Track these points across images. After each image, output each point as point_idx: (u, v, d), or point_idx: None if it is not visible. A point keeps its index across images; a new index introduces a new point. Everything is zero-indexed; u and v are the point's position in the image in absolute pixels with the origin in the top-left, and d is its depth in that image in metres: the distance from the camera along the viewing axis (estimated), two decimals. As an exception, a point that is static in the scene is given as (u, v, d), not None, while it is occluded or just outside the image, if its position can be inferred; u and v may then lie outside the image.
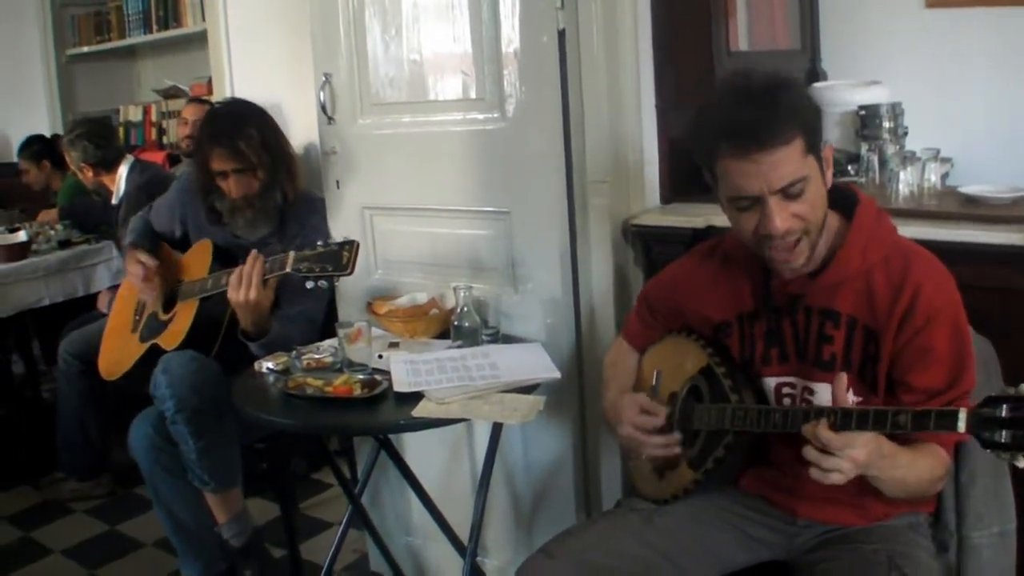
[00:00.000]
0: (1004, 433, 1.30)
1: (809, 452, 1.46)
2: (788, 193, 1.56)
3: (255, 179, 2.73)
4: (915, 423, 1.39)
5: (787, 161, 1.54)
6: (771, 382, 1.76)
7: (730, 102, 1.60)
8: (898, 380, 1.62)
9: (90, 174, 4.05)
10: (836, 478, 1.45)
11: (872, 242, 1.66)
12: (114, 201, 4.03)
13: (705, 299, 1.85)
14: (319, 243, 2.32)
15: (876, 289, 1.64)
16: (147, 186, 3.80)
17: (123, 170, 3.99)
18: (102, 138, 4.06)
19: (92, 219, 4.28)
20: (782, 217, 1.57)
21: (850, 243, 1.65)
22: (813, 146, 1.58)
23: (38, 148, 4.75)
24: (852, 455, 1.43)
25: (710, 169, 1.64)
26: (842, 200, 1.70)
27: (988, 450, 1.33)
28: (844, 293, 1.66)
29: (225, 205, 2.81)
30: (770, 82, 1.58)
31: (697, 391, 1.79)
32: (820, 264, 1.67)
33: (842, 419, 1.45)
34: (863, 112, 2.52)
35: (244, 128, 2.70)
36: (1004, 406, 1.31)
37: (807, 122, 1.58)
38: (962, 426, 1.34)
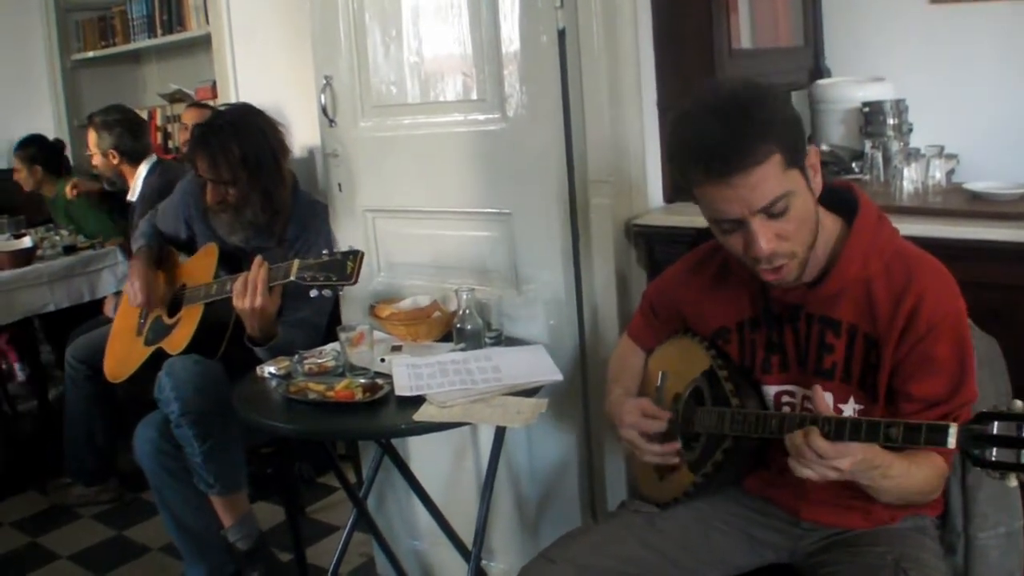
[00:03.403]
0: (994, 451, 1.27)
1: (798, 460, 1.44)
2: (771, 212, 1.50)
3: (228, 193, 2.71)
4: (906, 437, 1.36)
5: (766, 180, 1.47)
6: (771, 390, 1.73)
7: (700, 123, 1.51)
8: (898, 389, 1.59)
9: (115, 161, 3.95)
10: (814, 477, 1.45)
11: (872, 250, 1.60)
12: (130, 198, 4.00)
13: (704, 305, 1.82)
14: (324, 252, 2.31)
15: (877, 297, 1.59)
16: (162, 189, 3.73)
17: (143, 169, 3.93)
18: (139, 128, 4.02)
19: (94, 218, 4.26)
20: (767, 238, 1.51)
21: (849, 251, 1.60)
22: (794, 159, 1.51)
23: (34, 151, 4.64)
24: (837, 464, 1.42)
25: (689, 192, 1.59)
26: (842, 203, 1.66)
27: (978, 468, 1.30)
28: (844, 301, 1.62)
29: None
30: (740, 97, 1.50)
31: (699, 393, 1.78)
32: (820, 273, 1.64)
33: (836, 429, 1.42)
34: (867, 109, 2.50)
35: (228, 142, 2.66)
36: (995, 423, 1.28)
37: (784, 135, 1.50)
38: (952, 442, 1.31)
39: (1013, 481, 1.26)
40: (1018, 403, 1.27)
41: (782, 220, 1.51)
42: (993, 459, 1.27)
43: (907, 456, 1.51)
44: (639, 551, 1.74)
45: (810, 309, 1.66)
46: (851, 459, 1.41)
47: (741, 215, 1.50)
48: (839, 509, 1.70)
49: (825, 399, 1.49)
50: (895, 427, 1.37)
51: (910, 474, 1.52)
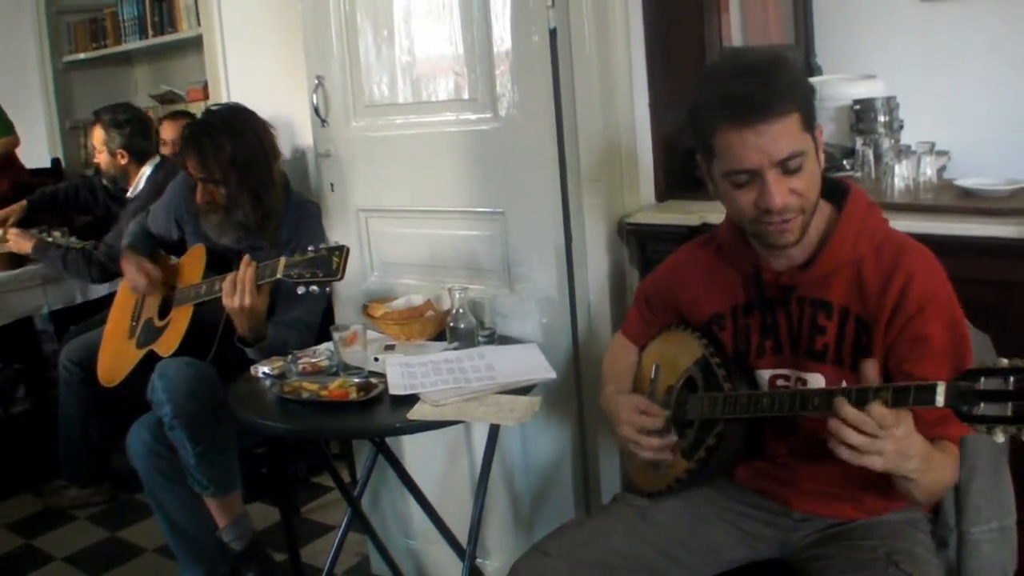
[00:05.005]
0: (981, 406, 1.27)
1: (852, 437, 1.38)
2: (787, 167, 1.55)
3: (217, 193, 2.71)
4: (895, 398, 1.37)
5: (787, 134, 1.54)
6: (765, 374, 1.75)
7: (729, 75, 1.58)
8: (896, 371, 1.59)
9: (123, 161, 3.90)
10: (875, 461, 1.39)
11: (863, 232, 1.65)
12: (129, 194, 3.98)
13: (699, 292, 1.85)
14: (310, 248, 2.31)
15: (867, 279, 1.63)
16: (163, 188, 3.69)
17: (147, 168, 3.90)
18: (148, 127, 3.99)
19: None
20: (781, 192, 1.56)
21: (840, 232, 1.65)
22: (809, 123, 1.59)
23: None
24: (896, 432, 1.38)
25: (707, 145, 1.61)
26: (833, 191, 1.70)
27: (967, 424, 1.30)
28: (836, 283, 1.66)
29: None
30: (767, 56, 1.60)
31: (692, 382, 1.79)
32: (811, 254, 1.67)
33: (825, 400, 1.44)
34: (858, 106, 2.51)
35: (219, 141, 2.66)
36: (982, 378, 1.28)
37: (804, 98, 1.59)
38: (940, 400, 1.31)
39: (1000, 436, 1.26)
40: (1003, 360, 1.27)
41: (795, 177, 1.57)
42: (981, 414, 1.27)
43: (935, 445, 1.50)
44: (632, 544, 1.74)
45: (802, 291, 1.69)
46: (905, 427, 1.40)
47: (759, 165, 1.55)
48: (831, 499, 1.71)
49: (875, 370, 1.45)
50: (884, 391, 1.38)
51: (945, 463, 1.54)
